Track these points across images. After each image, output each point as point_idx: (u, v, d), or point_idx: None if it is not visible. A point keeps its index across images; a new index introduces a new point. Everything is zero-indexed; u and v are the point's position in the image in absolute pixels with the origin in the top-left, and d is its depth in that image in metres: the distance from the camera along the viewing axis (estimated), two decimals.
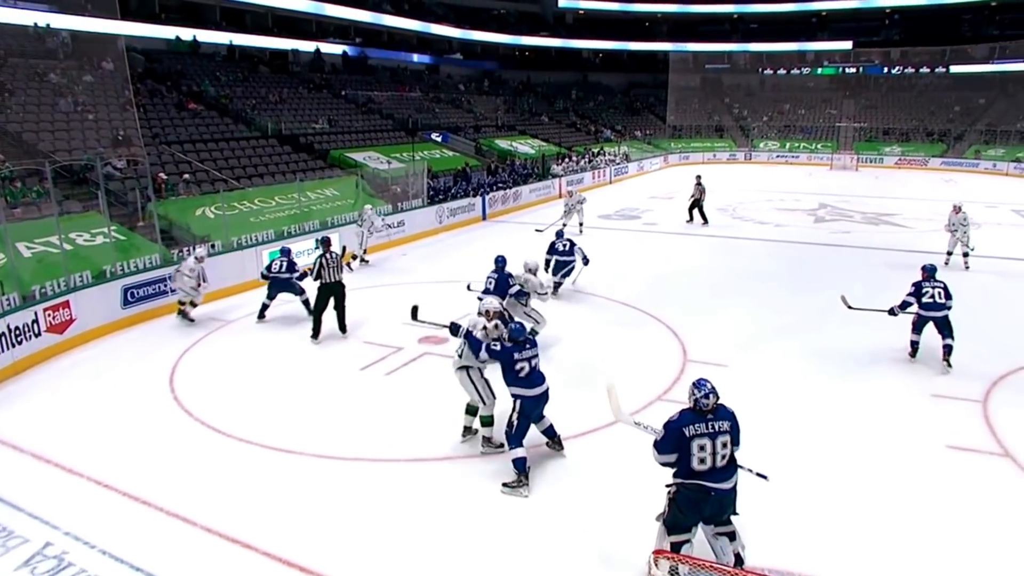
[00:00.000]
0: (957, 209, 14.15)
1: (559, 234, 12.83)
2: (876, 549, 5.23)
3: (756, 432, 6.27)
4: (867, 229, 19.37)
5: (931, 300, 8.66)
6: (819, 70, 49.46)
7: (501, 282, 9.33)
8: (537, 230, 15.91)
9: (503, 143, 31.93)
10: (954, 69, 45.23)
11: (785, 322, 10.67)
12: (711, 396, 4.61)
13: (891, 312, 8.95)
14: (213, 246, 12.83)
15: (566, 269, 12.29)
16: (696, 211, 19.77)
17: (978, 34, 43.66)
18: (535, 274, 9.67)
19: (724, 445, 4.57)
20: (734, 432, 4.66)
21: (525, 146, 32.80)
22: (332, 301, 10.01)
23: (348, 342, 10.03)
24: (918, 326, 8.89)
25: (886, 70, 47.60)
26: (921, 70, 46.44)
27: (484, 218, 20.98)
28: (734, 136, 46.63)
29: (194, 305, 11.06)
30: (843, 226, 19.87)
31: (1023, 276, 13.74)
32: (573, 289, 12.44)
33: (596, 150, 34.09)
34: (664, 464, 4.72)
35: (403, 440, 7.08)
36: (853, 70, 48.56)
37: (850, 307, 9.29)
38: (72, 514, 5.75)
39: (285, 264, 11.02)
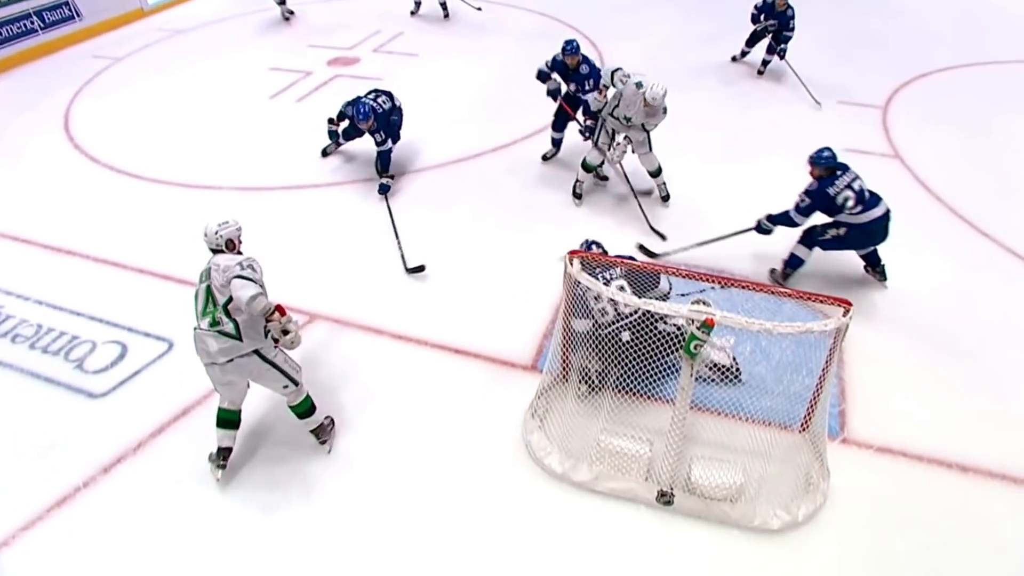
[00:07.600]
0: None
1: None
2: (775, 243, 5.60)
3: (673, 144, 6.46)
4: None
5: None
6: None
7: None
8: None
9: None
10: None
11: (709, 31, 10.38)
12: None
13: (754, 21, 8.63)
14: None
15: None
16: None
17: None
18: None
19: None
20: None
21: None
22: None
23: (254, 71, 9.46)
24: (759, 37, 8.79)
25: None
26: None
27: None
28: None
29: None
30: None
31: None
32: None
33: None
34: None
35: (321, 165, 7.11)
36: None
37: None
38: None
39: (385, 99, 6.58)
